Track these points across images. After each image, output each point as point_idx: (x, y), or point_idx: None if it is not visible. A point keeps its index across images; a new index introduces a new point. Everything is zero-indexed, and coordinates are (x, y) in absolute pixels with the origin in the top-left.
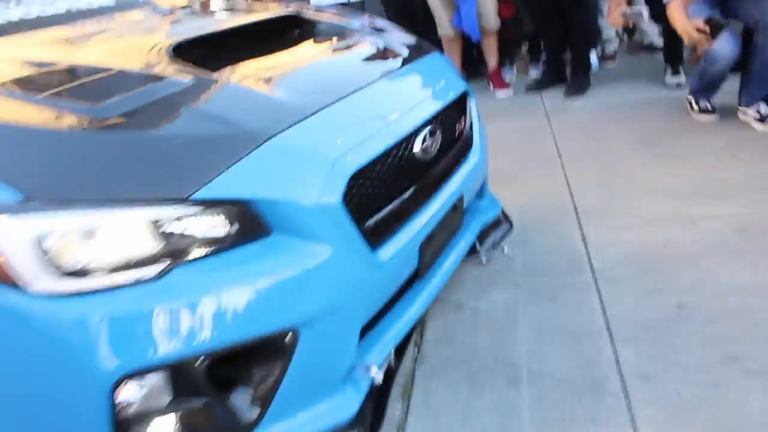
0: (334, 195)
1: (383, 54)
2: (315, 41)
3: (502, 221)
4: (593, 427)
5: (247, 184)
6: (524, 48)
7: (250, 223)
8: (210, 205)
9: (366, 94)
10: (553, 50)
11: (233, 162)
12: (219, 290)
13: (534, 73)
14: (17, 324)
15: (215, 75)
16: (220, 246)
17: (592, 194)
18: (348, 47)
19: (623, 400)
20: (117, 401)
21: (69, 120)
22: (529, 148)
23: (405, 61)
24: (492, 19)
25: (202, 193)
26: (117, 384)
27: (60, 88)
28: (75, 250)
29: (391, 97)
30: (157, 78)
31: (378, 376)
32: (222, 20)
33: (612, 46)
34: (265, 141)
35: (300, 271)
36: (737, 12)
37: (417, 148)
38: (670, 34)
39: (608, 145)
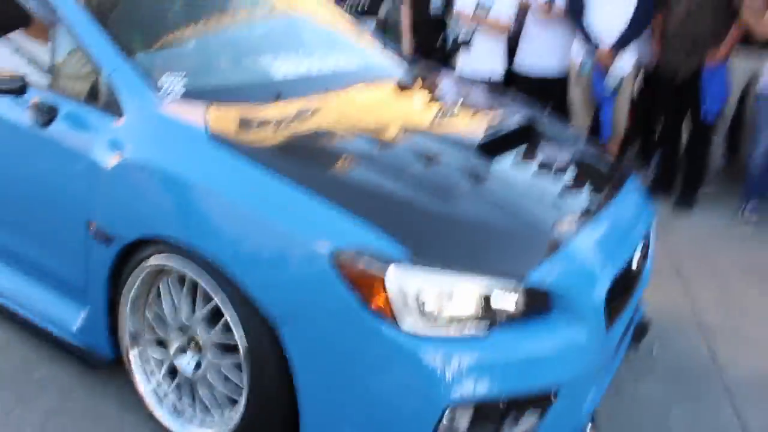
0: (602, 293)
1: (605, 173)
2: (550, 152)
3: (646, 323)
4: None
5: (549, 275)
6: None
7: (541, 302)
8: (529, 285)
9: (606, 214)
10: (670, 163)
11: (547, 257)
12: (521, 351)
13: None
14: (388, 349)
15: (515, 176)
16: (519, 317)
17: (712, 313)
18: (579, 164)
19: None
20: (441, 421)
21: (431, 202)
22: None
23: (620, 182)
24: (621, 124)
25: (529, 276)
26: (445, 408)
27: (425, 174)
28: (436, 303)
29: (622, 217)
30: (492, 177)
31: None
32: (490, 123)
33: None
34: (563, 247)
35: (571, 344)
36: None
37: (633, 262)
38: None
39: (720, 266)
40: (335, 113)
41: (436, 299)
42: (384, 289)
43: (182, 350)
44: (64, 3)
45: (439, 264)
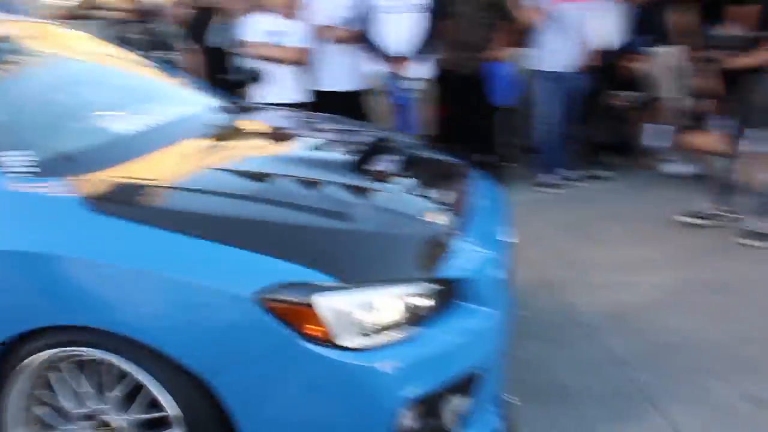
0: (504, 272)
1: (457, 171)
2: (406, 160)
3: None
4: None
5: (454, 267)
6: None
7: (452, 295)
8: (437, 282)
9: (476, 202)
10: (470, 150)
11: (448, 252)
12: (448, 341)
13: None
14: (334, 372)
15: (392, 186)
16: (435, 312)
17: (552, 270)
18: (435, 165)
19: (642, 397)
20: (395, 425)
21: (331, 224)
22: None
23: (469, 174)
24: (428, 124)
25: (440, 274)
26: (395, 412)
27: (312, 198)
28: (366, 317)
29: (488, 202)
30: (368, 190)
31: (513, 399)
32: (350, 140)
33: None
34: (456, 238)
35: (486, 323)
36: None
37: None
38: None
39: (542, 230)
40: (198, 159)
41: (365, 314)
42: (316, 316)
43: None
44: None
45: (360, 281)
